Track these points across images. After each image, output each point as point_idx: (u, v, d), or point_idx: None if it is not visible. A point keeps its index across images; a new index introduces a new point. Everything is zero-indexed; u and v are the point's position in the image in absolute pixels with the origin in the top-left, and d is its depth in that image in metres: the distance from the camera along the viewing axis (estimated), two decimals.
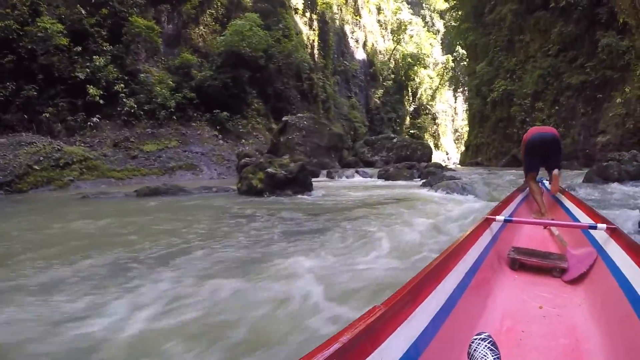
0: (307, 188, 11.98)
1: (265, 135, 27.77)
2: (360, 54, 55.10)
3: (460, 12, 40.21)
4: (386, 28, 62.49)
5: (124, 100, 21.23)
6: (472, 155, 36.10)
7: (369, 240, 5.31)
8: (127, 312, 3.04)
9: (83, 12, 20.46)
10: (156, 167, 19.93)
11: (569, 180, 11.59)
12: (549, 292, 2.82)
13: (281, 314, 2.98)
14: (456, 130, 71.60)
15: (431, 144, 46.53)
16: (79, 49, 19.86)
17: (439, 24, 69.37)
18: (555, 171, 5.49)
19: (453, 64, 58.06)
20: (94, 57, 20.34)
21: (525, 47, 27.94)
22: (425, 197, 10.46)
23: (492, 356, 1.45)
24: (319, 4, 43.62)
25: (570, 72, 22.91)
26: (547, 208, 5.37)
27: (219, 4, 30.03)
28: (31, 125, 17.75)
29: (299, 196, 11.19)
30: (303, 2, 40.58)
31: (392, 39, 62.25)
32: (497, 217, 3.56)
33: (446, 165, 24.01)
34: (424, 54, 62.56)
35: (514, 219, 3.75)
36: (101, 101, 19.95)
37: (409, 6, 69.44)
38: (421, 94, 63.89)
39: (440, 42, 68.03)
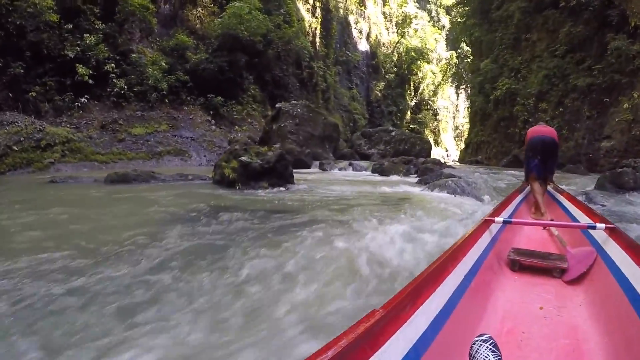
0: (286, 180, 10.89)
1: (261, 123, 26.87)
2: (363, 45, 54.38)
3: (466, 8, 39.51)
4: (391, 20, 61.70)
5: (114, 80, 20.50)
6: (472, 153, 35.56)
7: (319, 261, 4.15)
8: None
9: None
10: (143, 151, 19.24)
11: (579, 187, 10.90)
12: (549, 292, 2.86)
13: None
14: (457, 128, 71.16)
15: (431, 140, 46.07)
16: (70, 26, 19.15)
17: (445, 20, 68.27)
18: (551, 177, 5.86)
19: (457, 60, 57.13)
20: (85, 35, 19.54)
21: (532, 46, 27.38)
22: (418, 197, 9.55)
23: (494, 358, 1.44)
24: None
25: (577, 74, 22.35)
26: (546, 208, 5.45)
27: None
28: (17, 104, 17.06)
29: (276, 189, 10.18)
30: None
31: (397, 32, 61.42)
32: (496, 219, 3.56)
33: (445, 162, 23.30)
34: (428, 48, 61.78)
35: (513, 220, 3.81)
36: (90, 81, 19.21)
37: (415, 0, 68.50)
38: (423, 89, 63.31)
39: (445, 37, 67.11)
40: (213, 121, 24.09)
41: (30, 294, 3.21)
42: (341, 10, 48.85)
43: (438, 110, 66.03)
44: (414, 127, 55.51)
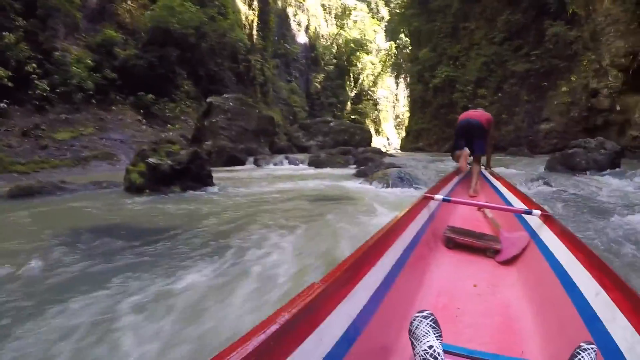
0: (202, 182, 9.62)
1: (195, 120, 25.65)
2: (302, 38, 54.07)
3: None
4: (330, 12, 61.68)
5: (36, 82, 18.57)
6: (413, 140, 36.03)
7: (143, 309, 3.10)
8: None
9: None
10: (68, 157, 17.65)
11: (530, 170, 10.54)
12: (483, 271, 2.91)
13: None
14: (397, 117, 71.84)
15: (372, 130, 46.21)
16: None
17: (384, 11, 68.78)
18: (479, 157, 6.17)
19: (396, 51, 57.55)
20: (4, 33, 17.62)
21: (470, 35, 27.84)
22: (353, 193, 8.70)
23: (434, 334, 1.43)
24: None
25: (515, 60, 22.89)
26: (481, 191, 5.83)
27: None
28: None
29: (190, 193, 9.01)
30: None
31: (336, 24, 61.56)
32: (436, 196, 3.60)
33: (387, 151, 22.99)
34: (368, 40, 62.28)
35: (452, 198, 3.87)
36: (10, 84, 17.27)
37: None
38: (363, 80, 63.54)
39: (384, 29, 67.44)
40: (144, 120, 22.51)
41: None
42: (279, 2, 48.11)
43: (378, 100, 66.38)
44: (355, 118, 55.46)
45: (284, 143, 25.85)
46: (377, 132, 61.92)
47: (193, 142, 20.91)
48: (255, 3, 40.66)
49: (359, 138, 26.39)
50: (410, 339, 1.47)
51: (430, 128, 32.55)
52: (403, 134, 51.23)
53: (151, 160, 8.93)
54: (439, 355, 1.35)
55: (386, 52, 63.11)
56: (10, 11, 18.38)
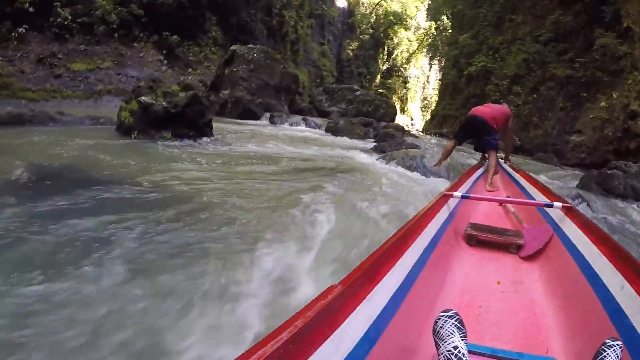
0: (199, 131, 8.75)
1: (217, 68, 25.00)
2: (341, 1, 52.76)
3: None
4: None
5: (58, 10, 18.18)
6: (437, 125, 35.14)
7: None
8: None
9: None
10: (81, 89, 17.30)
11: (562, 182, 9.75)
12: (506, 268, 2.89)
13: None
14: (425, 98, 70.35)
15: (397, 107, 45.40)
16: None
17: None
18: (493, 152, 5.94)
19: (435, 32, 56.40)
20: None
21: (515, 28, 26.60)
22: (367, 169, 7.74)
23: (459, 334, 1.41)
24: None
25: (557, 64, 21.72)
26: (502, 185, 5.85)
27: None
28: None
29: (180, 142, 8.17)
30: None
31: None
32: (455, 193, 3.52)
33: (409, 131, 22.20)
34: (408, 15, 60.40)
35: (471, 195, 3.74)
36: (31, 9, 16.98)
37: None
38: (397, 55, 61.90)
39: (427, 7, 65.63)
40: (166, 61, 21.89)
41: None
42: None
43: (409, 78, 64.69)
44: (383, 92, 54.29)
45: (305, 104, 25.36)
46: (403, 110, 60.66)
47: (211, 89, 20.35)
48: None
49: (383, 112, 25.86)
50: (434, 338, 1.46)
51: (457, 116, 31.52)
52: (428, 116, 50.56)
53: (144, 98, 8.15)
54: (463, 356, 1.33)
55: (425, 31, 61.46)
56: None
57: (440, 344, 1.39)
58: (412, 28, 63.16)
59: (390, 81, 60.44)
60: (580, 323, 1.90)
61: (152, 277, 2.87)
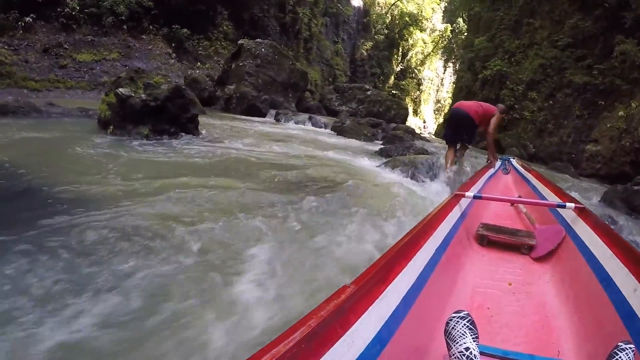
0: (181, 127, 7.95)
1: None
2: (356, 0, 52.49)
3: None
4: None
5: (67, 0, 18.08)
6: None
7: None
8: None
9: None
10: (86, 80, 17.14)
11: (580, 195, 9.15)
12: (518, 268, 2.87)
13: None
14: (438, 101, 70.01)
15: (410, 109, 44.90)
16: None
17: None
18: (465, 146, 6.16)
19: (451, 34, 56.08)
20: None
21: (532, 32, 26.00)
22: (363, 179, 6.61)
23: (471, 335, 1.41)
24: None
25: (575, 70, 21.17)
26: (514, 185, 5.86)
27: None
28: None
29: (156, 140, 7.42)
30: None
31: None
32: (467, 194, 3.49)
33: (420, 133, 21.65)
34: (424, 16, 59.99)
35: (483, 195, 3.72)
36: None
37: None
38: (411, 57, 61.43)
39: (443, 9, 65.18)
40: (174, 54, 21.69)
41: None
42: None
43: (423, 80, 64.38)
44: (396, 93, 53.87)
45: (314, 103, 24.79)
46: (415, 112, 60.30)
47: (218, 83, 19.96)
48: None
49: (394, 113, 25.30)
50: (445, 339, 1.45)
51: None
52: (441, 119, 50.04)
53: (121, 90, 7.49)
54: (475, 357, 1.33)
55: (440, 33, 61.02)
56: None
57: (452, 345, 1.40)
58: (428, 30, 62.82)
59: (403, 83, 59.99)
60: (592, 325, 1.90)
61: None
